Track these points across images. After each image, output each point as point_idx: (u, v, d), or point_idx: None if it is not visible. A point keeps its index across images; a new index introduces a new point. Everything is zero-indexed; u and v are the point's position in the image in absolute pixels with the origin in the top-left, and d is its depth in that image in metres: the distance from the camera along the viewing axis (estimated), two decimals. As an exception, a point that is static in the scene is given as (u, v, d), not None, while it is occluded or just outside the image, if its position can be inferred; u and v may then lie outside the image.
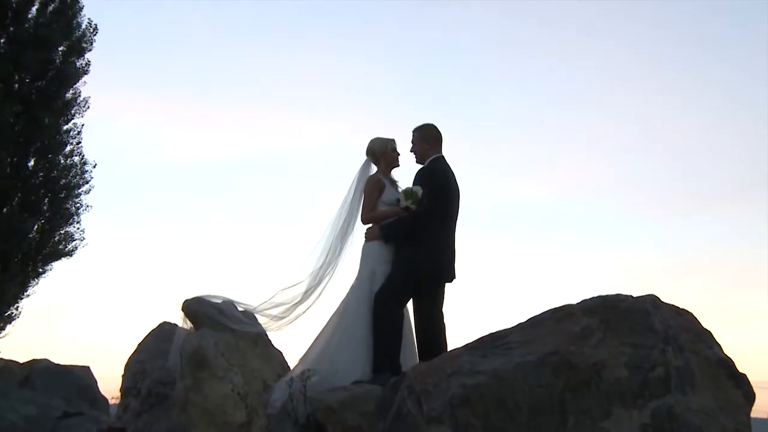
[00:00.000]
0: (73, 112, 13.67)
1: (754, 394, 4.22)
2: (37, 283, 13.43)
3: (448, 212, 5.32)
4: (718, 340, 4.38)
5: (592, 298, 4.51)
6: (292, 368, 5.54)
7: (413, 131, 5.53)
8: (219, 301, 5.74)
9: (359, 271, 5.40)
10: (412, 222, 5.17)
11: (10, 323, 13.34)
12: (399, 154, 5.62)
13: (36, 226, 13.08)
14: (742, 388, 4.21)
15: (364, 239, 5.46)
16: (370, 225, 5.45)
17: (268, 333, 5.88)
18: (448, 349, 4.99)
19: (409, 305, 5.38)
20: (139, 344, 7.07)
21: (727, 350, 4.32)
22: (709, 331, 4.40)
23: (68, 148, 13.60)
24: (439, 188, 5.22)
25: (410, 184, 5.28)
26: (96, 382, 9.41)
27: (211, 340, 5.55)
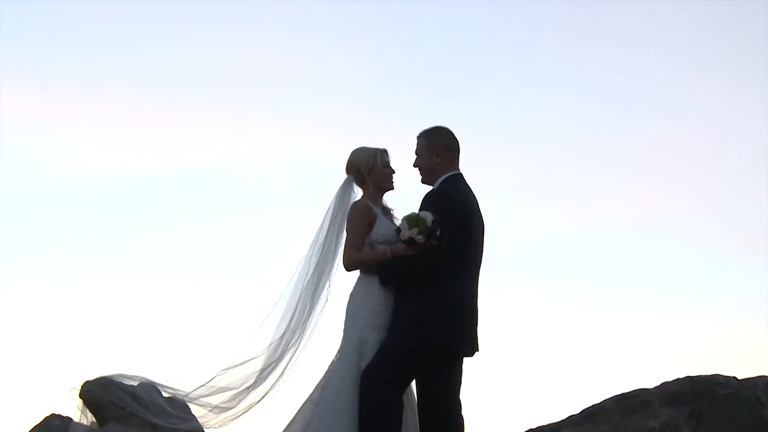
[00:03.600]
0: None
1: None
2: None
3: (471, 254, 5.31)
4: None
5: (677, 380, 4.58)
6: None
7: (418, 137, 5.54)
8: (134, 383, 5.69)
9: (342, 340, 5.37)
10: (420, 266, 5.14)
11: None
12: (394, 172, 5.63)
13: None
14: None
15: (349, 295, 5.42)
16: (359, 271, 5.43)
17: (206, 430, 5.80)
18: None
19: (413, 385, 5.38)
20: (15, 447, 6.98)
21: None
22: None
23: None
24: (459, 219, 5.20)
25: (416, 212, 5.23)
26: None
27: (123, 440, 5.48)
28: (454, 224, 5.16)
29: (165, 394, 5.72)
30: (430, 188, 5.44)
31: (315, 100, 14.19)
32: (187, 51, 14.24)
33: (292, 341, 5.55)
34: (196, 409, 5.68)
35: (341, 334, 5.39)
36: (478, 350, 5.37)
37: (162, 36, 14.29)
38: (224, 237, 13.76)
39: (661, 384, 4.56)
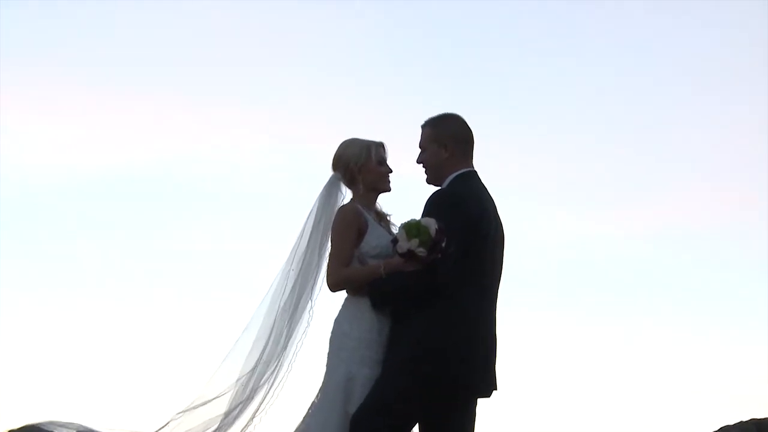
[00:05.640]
0: None
1: None
2: None
3: (486, 270, 5.29)
4: None
5: (740, 423, 4.55)
6: None
7: (423, 127, 5.55)
8: (72, 431, 5.65)
9: (325, 376, 5.37)
10: (422, 284, 5.11)
11: None
12: (391, 171, 5.65)
13: None
14: None
15: (335, 321, 5.42)
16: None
17: (158, 488, 5.80)
18: None
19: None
20: None
21: None
22: None
23: None
24: (471, 226, 5.18)
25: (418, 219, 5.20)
26: None
27: (56, 500, 5.46)
28: (465, 232, 5.13)
29: (109, 444, 5.70)
30: (436, 189, 5.43)
31: (299, 82, 14.12)
32: (146, 24, 14.16)
33: (265, 376, 5.54)
34: (147, 462, 5.68)
35: (324, 369, 5.39)
36: (496, 389, 5.35)
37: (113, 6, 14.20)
38: (184, 248, 13.71)
39: (721, 428, 4.56)
